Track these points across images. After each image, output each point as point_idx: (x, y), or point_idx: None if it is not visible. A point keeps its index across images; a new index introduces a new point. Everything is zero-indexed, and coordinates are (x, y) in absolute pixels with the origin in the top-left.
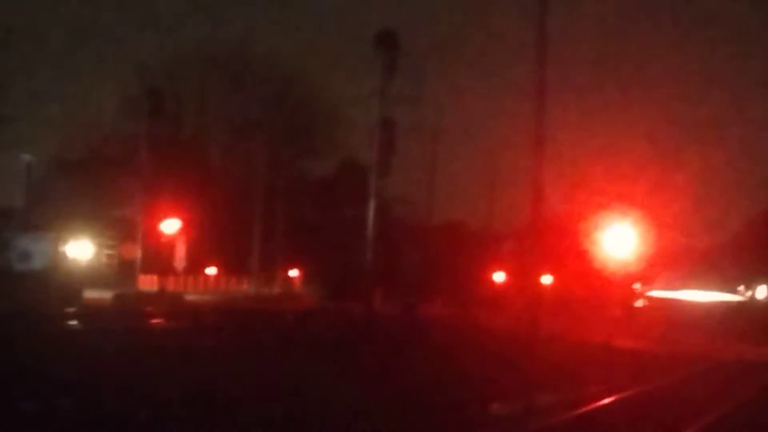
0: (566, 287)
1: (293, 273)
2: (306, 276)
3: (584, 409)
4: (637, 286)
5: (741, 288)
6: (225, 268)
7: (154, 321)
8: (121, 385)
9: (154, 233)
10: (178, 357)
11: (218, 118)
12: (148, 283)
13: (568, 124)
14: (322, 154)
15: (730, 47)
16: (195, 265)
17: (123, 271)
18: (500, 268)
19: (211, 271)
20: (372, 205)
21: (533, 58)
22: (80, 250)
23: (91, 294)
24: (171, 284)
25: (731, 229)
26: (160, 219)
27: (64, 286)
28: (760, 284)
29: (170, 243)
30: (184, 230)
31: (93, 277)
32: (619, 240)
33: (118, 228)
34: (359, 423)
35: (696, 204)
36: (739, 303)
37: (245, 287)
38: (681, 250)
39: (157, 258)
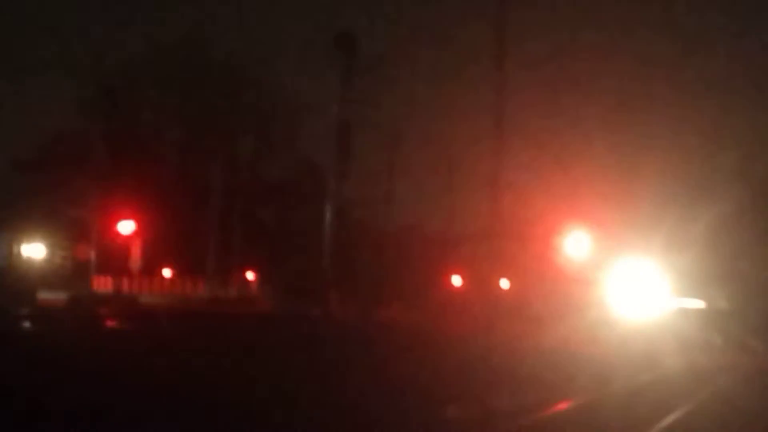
0: (525, 292)
1: (250, 275)
2: (263, 279)
3: (541, 414)
4: (595, 291)
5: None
6: (181, 270)
7: (107, 323)
8: (60, 387)
9: (109, 234)
10: (125, 359)
11: (175, 118)
12: (102, 284)
13: (529, 128)
14: (279, 156)
15: (691, 54)
16: (150, 267)
17: (77, 272)
18: (458, 272)
19: (167, 273)
20: (329, 208)
21: (492, 62)
22: (35, 250)
23: (45, 295)
24: (126, 286)
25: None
26: (116, 220)
27: (18, 286)
28: (718, 291)
29: (125, 244)
30: (140, 231)
31: (48, 278)
32: (577, 245)
33: (72, 228)
34: None
35: (654, 209)
36: (698, 310)
37: (201, 290)
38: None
39: (112, 259)
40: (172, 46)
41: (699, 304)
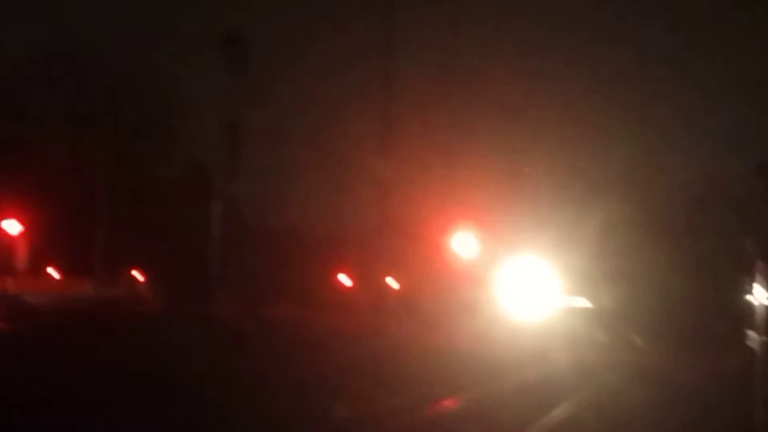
0: (415, 291)
1: (137, 275)
2: (150, 278)
3: (429, 411)
4: (486, 290)
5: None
6: (67, 269)
7: None
8: None
9: None
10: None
11: (61, 117)
12: None
13: (419, 126)
14: (167, 154)
15: (584, 53)
16: (36, 266)
17: None
18: (347, 271)
19: (53, 272)
20: (217, 207)
21: (380, 62)
22: None
23: None
24: (11, 285)
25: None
26: (0, 219)
27: None
28: (606, 291)
29: (10, 243)
30: (26, 230)
31: None
32: (467, 244)
33: None
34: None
35: (545, 209)
36: (586, 309)
37: (88, 289)
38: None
39: None
40: (58, 45)
41: (587, 303)
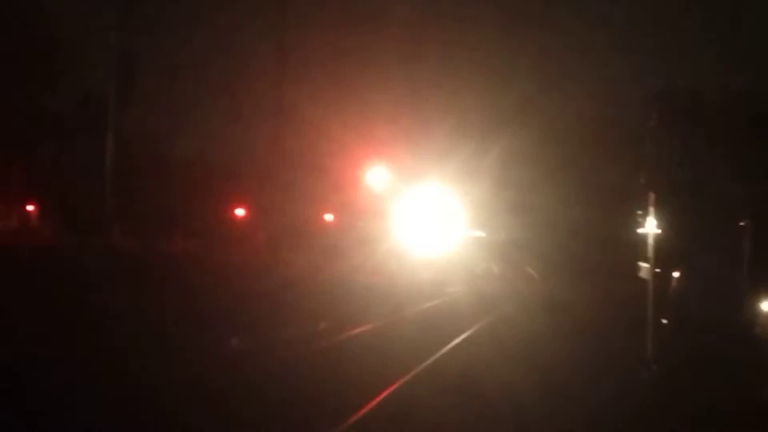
0: (318, 224)
1: (30, 208)
2: (43, 211)
3: (322, 343)
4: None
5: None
6: None
7: None
8: None
9: None
10: None
11: None
12: None
13: (325, 63)
14: (59, 87)
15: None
16: None
17: None
18: (245, 205)
19: None
20: (110, 140)
21: None
22: None
23: None
24: None
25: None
26: None
27: None
28: (507, 223)
29: None
30: None
31: None
32: (373, 177)
33: None
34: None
35: (449, 142)
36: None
37: None
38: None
39: None
40: None
41: (487, 235)
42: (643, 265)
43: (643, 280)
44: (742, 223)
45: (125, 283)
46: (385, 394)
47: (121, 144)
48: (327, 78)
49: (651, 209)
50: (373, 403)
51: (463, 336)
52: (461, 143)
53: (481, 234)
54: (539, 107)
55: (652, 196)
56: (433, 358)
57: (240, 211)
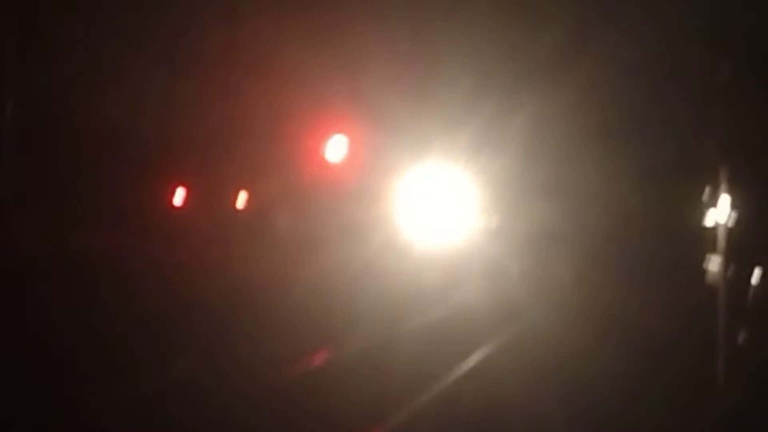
0: (278, 209)
1: None
2: None
3: (293, 368)
4: (380, 208)
5: None
6: None
7: None
8: None
9: None
10: None
11: None
12: None
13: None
14: None
15: None
16: None
17: None
18: (181, 186)
19: None
20: (8, 103)
21: None
22: None
23: None
24: None
25: None
26: None
27: None
28: (538, 208)
29: None
30: None
31: None
32: (353, 148)
33: None
34: None
35: (461, 103)
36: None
37: None
38: None
39: None
40: None
41: (508, 222)
42: (713, 261)
43: (713, 282)
44: None
45: (19, 292)
46: None
47: (22, 109)
48: (296, 13)
49: (723, 189)
50: None
51: (477, 356)
52: (477, 105)
53: (502, 221)
54: (577, 56)
55: (723, 170)
56: (438, 388)
57: (180, 193)
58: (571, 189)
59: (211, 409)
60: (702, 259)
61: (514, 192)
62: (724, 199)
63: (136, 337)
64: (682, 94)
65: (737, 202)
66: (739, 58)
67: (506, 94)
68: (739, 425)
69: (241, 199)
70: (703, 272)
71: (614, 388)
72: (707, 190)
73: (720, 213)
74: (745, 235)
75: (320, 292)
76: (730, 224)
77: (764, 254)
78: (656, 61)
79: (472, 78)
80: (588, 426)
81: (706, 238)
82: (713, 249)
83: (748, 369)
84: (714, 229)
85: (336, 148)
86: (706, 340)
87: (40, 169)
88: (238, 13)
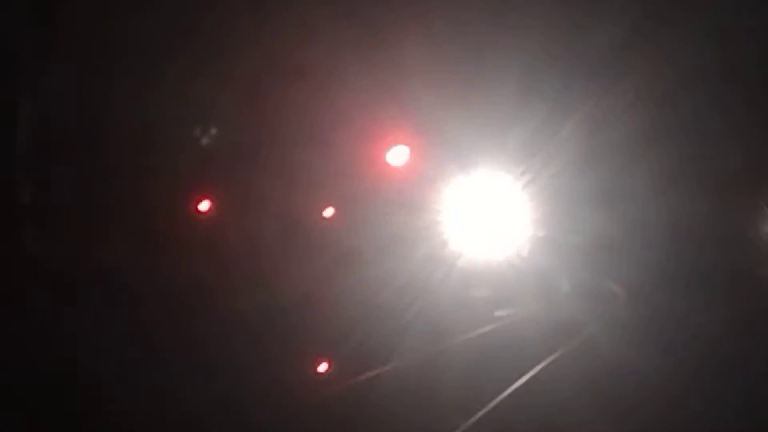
0: (320, 220)
1: None
2: None
3: (325, 392)
4: (427, 218)
5: None
6: None
7: None
8: None
9: None
10: None
11: None
12: None
13: None
14: None
15: None
16: None
17: None
18: (219, 193)
19: None
20: (25, 105)
21: None
22: None
23: None
24: None
25: None
26: None
27: None
28: (593, 218)
29: None
30: None
31: None
32: (400, 155)
33: None
34: None
35: (512, 106)
36: (564, 243)
37: None
38: None
39: None
40: None
41: (563, 232)
42: None
43: None
44: None
45: (46, 313)
46: None
47: (38, 110)
48: (343, 18)
49: None
50: None
51: (530, 374)
52: (528, 107)
53: (557, 231)
54: (640, 45)
55: None
56: (489, 408)
57: (205, 204)
58: (627, 198)
59: (251, 427)
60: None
61: (567, 201)
62: None
63: (169, 352)
64: (744, 98)
65: None
66: None
67: (557, 98)
68: None
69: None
70: None
71: (674, 408)
72: None
73: None
74: None
75: (362, 305)
76: None
77: None
78: (715, 64)
79: (521, 82)
80: None
81: None
82: None
83: None
84: None
85: (398, 157)
86: None
87: (56, 175)
88: (288, 20)
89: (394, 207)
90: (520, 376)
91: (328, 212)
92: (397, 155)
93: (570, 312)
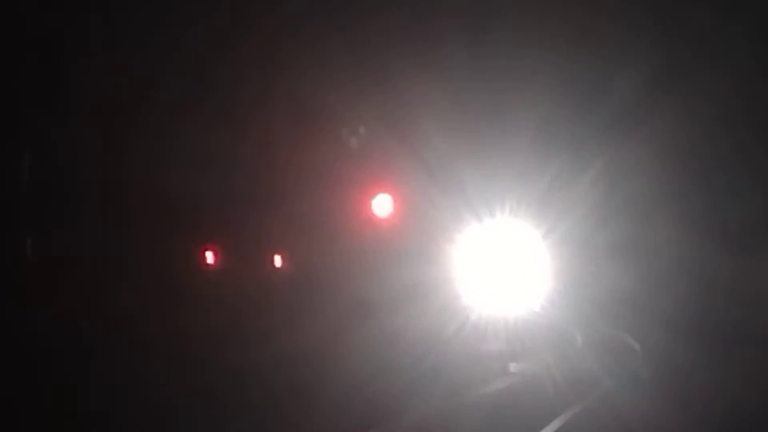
0: (321, 272)
1: None
2: None
3: None
4: (440, 271)
5: None
6: None
7: None
8: None
9: None
10: None
11: None
12: None
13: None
14: None
15: None
16: None
17: None
18: (215, 246)
19: None
20: (27, 156)
21: None
22: None
23: None
24: None
25: None
26: None
27: None
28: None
29: None
30: None
31: None
32: (409, 206)
33: None
34: None
35: (531, 156)
36: (583, 296)
37: None
38: None
39: None
40: None
41: (576, 288)
42: None
43: None
44: None
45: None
46: None
47: (40, 159)
48: (346, 54)
49: None
50: None
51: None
52: (545, 157)
53: (568, 287)
54: (660, 96)
55: None
56: None
57: (210, 255)
58: (646, 251)
59: None
60: None
61: (581, 254)
62: None
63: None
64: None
65: None
66: None
67: (576, 148)
68: None
69: (290, 257)
70: None
71: None
72: None
73: None
74: None
75: (375, 358)
76: None
77: None
78: (739, 115)
79: (539, 132)
80: None
81: None
82: None
83: None
84: None
85: (382, 206)
86: None
87: (59, 225)
88: (277, 63)
89: (407, 259)
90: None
91: (341, 263)
92: (400, 206)
93: (586, 367)
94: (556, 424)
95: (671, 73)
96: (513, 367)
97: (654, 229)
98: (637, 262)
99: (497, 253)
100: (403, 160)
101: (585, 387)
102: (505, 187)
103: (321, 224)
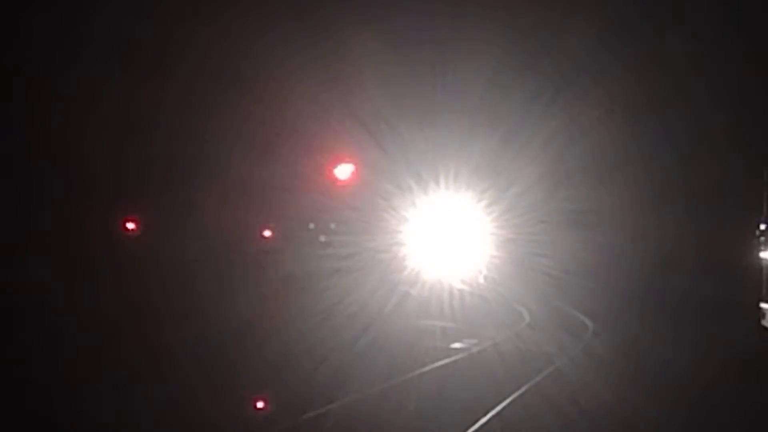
0: (254, 243)
1: None
2: None
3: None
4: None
5: None
6: None
7: None
8: None
9: None
10: None
11: None
12: None
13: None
14: None
15: None
16: None
17: None
18: (137, 215)
19: None
20: None
21: None
22: None
23: None
24: None
25: None
26: None
27: None
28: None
29: None
30: None
31: None
32: (351, 176)
33: None
34: None
35: (478, 124)
36: (529, 267)
37: None
38: None
39: None
40: None
41: (533, 258)
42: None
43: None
44: None
45: None
46: None
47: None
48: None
49: None
50: None
51: (492, 413)
52: (490, 122)
53: (527, 257)
54: (611, 61)
55: None
56: None
57: (131, 224)
58: (601, 220)
59: None
60: (753, 305)
61: (528, 224)
62: None
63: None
64: (729, 116)
65: None
66: None
67: (523, 108)
68: None
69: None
70: (757, 318)
71: None
72: (761, 224)
73: None
74: None
75: (306, 337)
76: None
77: None
78: (697, 76)
79: (486, 93)
80: None
81: (756, 281)
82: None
83: None
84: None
85: (343, 172)
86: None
87: None
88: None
89: (345, 226)
90: (482, 414)
91: (271, 231)
92: (347, 171)
93: (535, 344)
94: (501, 406)
95: (621, 33)
96: (457, 344)
97: (605, 197)
98: (591, 231)
99: (441, 224)
100: (350, 127)
101: (536, 365)
102: (450, 153)
103: (256, 193)
